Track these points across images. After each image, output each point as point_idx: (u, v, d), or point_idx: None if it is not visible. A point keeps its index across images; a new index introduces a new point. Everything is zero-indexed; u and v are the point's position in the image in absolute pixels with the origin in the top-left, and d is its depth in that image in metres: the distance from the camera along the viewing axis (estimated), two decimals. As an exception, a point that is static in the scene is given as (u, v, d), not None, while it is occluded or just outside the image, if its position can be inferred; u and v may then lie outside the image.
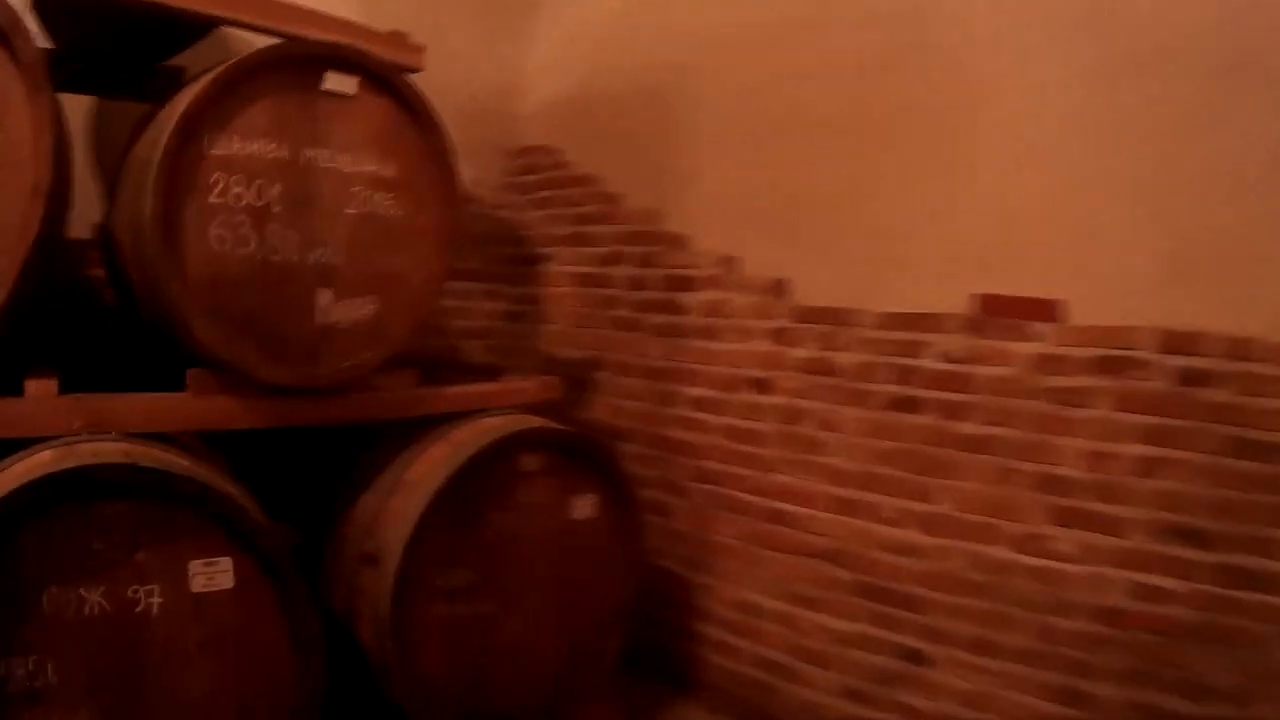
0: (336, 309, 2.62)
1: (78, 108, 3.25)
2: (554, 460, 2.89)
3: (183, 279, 2.37)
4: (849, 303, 3.08)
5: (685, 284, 3.57)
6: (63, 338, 3.02)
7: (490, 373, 3.43)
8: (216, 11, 2.60)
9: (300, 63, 2.52)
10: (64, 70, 2.69)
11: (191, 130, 2.36)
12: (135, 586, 2.15)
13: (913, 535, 2.95)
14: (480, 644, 2.77)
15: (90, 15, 2.59)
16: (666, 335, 3.64)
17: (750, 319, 3.35)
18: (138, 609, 2.16)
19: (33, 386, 2.28)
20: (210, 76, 2.39)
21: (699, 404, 3.54)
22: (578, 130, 4.04)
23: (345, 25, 2.81)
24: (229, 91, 2.40)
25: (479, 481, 2.70)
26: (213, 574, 2.24)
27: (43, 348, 2.68)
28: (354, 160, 2.62)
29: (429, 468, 2.72)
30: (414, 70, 2.89)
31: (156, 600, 2.19)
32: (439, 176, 2.77)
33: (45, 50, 2.82)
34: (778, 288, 3.29)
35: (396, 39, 2.99)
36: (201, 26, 2.76)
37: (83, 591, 2.10)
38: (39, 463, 2.14)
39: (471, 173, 3.94)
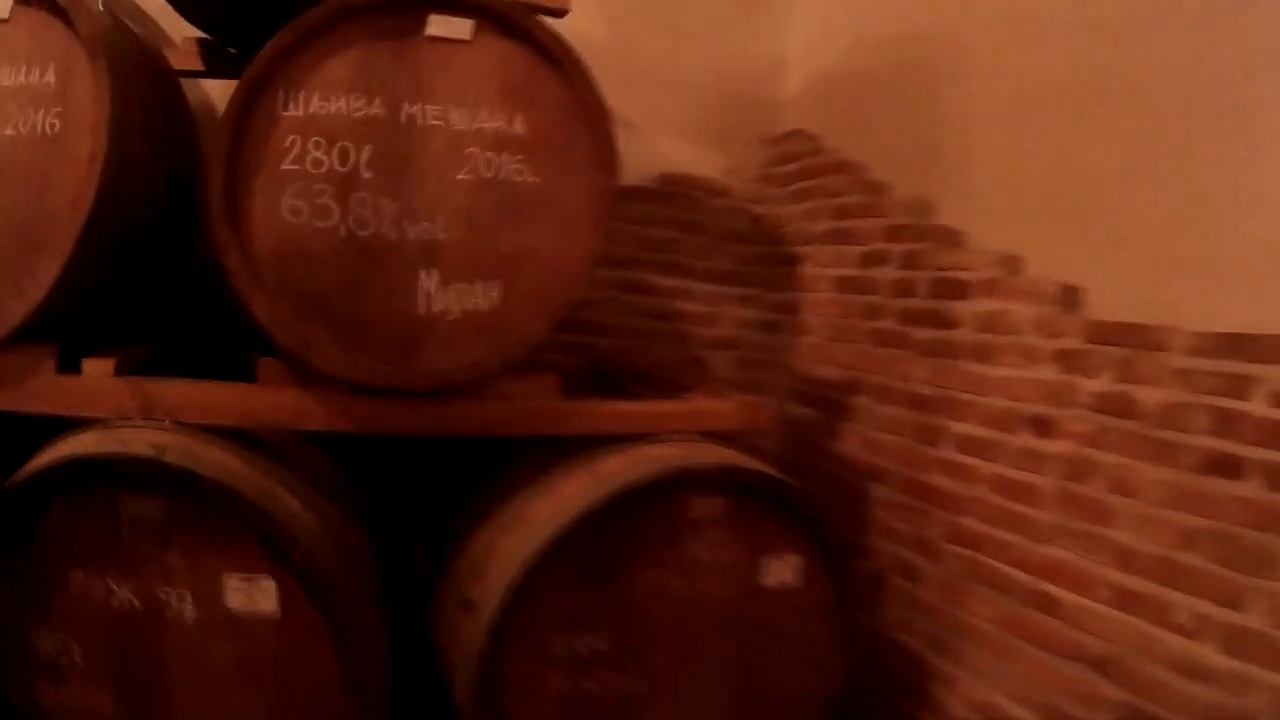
0: (445, 295, 2.18)
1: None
2: (740, 507, 2.23)
3: (244, 252, 2.09)
4: (1156, 318, 2.19)
5: (957, 290, 2.79)
6: (171, 317, 2.90)
7: (678, 388, 2.80)
8: None
9: (394, 7, 2.14)
10: (220, 56, 2.59)
11: (260, 89, 2.09)
12: (166, 588, 1.98)
13: (1210, 653, 1.99)
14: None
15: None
16: (933, 354, 2.87)
17: (1032, 336, 2.52)
18: (168, 613, 1.99)
19: (90, 366, 2.14)
20: (283, 30, 2.09)
21: (965, 444, 2.72)
22: (838, 112, 3.44)
23: None
24: (305, 44, 2.11)
25: (626, 526, 2.15)
26: (251, 592, 1.99)
27: (141, 326, 2.57)
28: (469, 116, 2.19)
29: (560, 503, 2.18)
30: (548, 9, 2.37)
31: (188, 607, 1.99)
32: (586, 135, 2.24)
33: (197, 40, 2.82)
34: (1067, 296, 2.42)
35: None
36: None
37: (111, 582, 1.98)
38: (77, 443, 2.01)
39: (722, 162, 3.56)
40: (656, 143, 3.00)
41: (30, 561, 2.00)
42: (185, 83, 2.78)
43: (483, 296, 2.19)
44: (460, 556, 2.34)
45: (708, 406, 2.55)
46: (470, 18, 2.18)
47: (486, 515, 2.34)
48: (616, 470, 2.20)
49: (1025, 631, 2.47)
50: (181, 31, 2.68)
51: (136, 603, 1.98)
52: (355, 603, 2.08)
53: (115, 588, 1.98)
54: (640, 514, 2.14)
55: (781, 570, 2.28)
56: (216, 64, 2.57)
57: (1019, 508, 2.50)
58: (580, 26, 2.40)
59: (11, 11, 2.15)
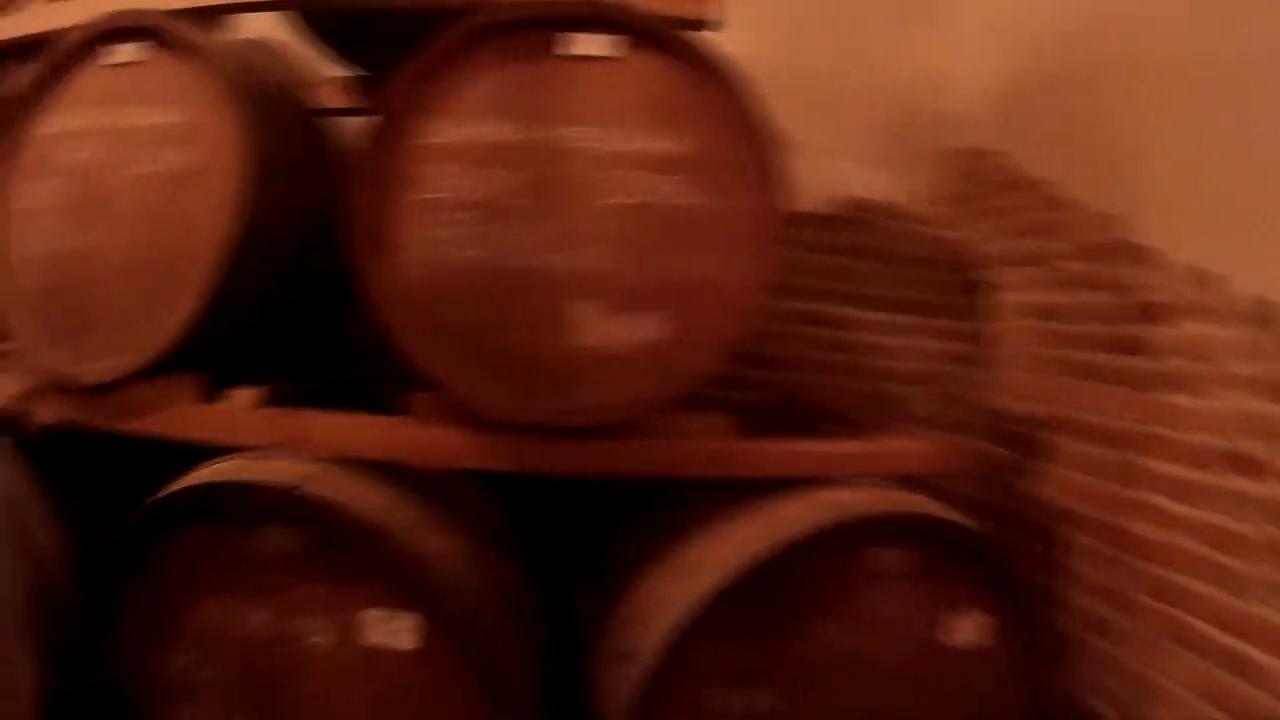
0: (604, 327, 2.06)
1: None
2: (926, 559, 2.03)
3: (388, 284, 2.04)
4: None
5: (1152, 313, 2.47)
6: (321, 352, 2.90)
7: (863, 426, 2.58)
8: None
9: (532, 25, 2.07)
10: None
11: (398, 118, 2.05)
12: (301, 618, 1.96)
13: None
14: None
15: (357, 29, 2.49)
16: (1129, 384, 2.55)
17: (1237, 363, 2.19)
18: (303, 643, 1.97)
19: (235, 396, 2.17)
20: (416, 58, 2.06)
21: (1163, 485, 2.39)
22: (1014, 123, 3.15)
23: None
24: (441, 69, 2.06)
25: (800, 577, 1.97)
26: (390, 629, 1.93)
27: (291, 360, 2.58)
28: (621, 136, 2.07)
29: (729, 549, 2.01)
30: (701, 22, 2.21)
31: (324, 639, 1.95)
32: (748, 153, 2.08)
33: (349, 77, 2.86)
34: (1271, 316, 2.08)
35: None
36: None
37: (245, 609, 1.99)
38: (217, 470, 2.05)
39: (898, 184, 3.33)
40: (830, 165, 2.85)
41: (165, 583, 2.02)
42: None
43: (644, 328, 2.06)
44: (621, 602, 2.19)
45: (893, 448, 2.32)
46: (615, 34, 2.07)
47: (651, 559, 2.18)
48: (792, 516, 2.01)
49: (1220, 699, 2.18)
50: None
51: (271, 631, 1.97)
52: (501, 645, 1.98)
53: (249, 615, 1.98)
54: (816, 564, 1.97)
55: (968, 628, 2.05)
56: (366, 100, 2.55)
57: (1220, 558, 2.20)
58: (745, 45, 2.25)
59: (148, 54, 2.24)
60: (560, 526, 2.66)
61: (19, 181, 2.34)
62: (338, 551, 1.91)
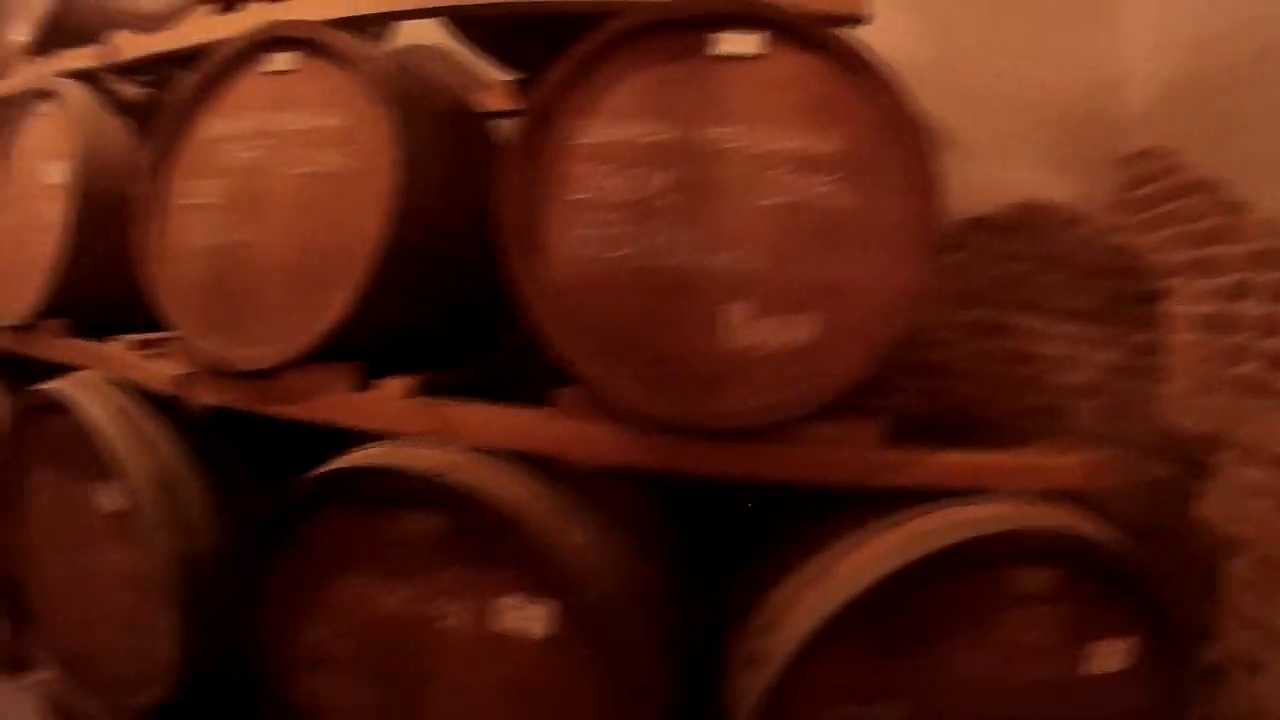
0: (754, 329, 2.03)
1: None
2: (1072, 581, 1.92)
3: (538, 286, 2.06)
4: None
5: None
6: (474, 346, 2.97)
7: (1022, 438, 2.47)
8: None
9: (680, 25, 2.07)
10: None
11: (547, 119, 2.09)
12: (437, 601, 2.04)
13: None
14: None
15: (512, 33, 2.55)
16: None
17: None
18: (437, 624, 2.05)
19: (387, 385, 2.26)
20: (565, 59, 2.09)
21: None
22: (1189, 122, 2.97)
23: None
24: (589, 70, 2.09)
25: (936, 594, 1.90)
26: (523, 616, 1.99)
27: (445, 353, 2.66)
28: (772, 135, 2.04)
29: (866, 561, 1.95)
30: (852, 19, 2.17)
31: (457, 622, 2.04)
32: (901, 153, 2.02)
33: (510, 80, 2.93)
34: None
35: None
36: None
37: (382, 589, 2.09)
38: (364, 455, 2.13)
39: (1074, 188, 3.18)
40: (1001, 169, 2.77)
41: (308, 559, 2.15)
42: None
43: (795, 331, 2.02)
44: (757, 607, 2.16)
45: (1047, 462, 2.18)
46: (763, 32, 2.05)
47: (788, 566, 2.14)
48: (933, 530, 1.93)
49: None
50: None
51: (406, 611, 2.06)
52: (633, 640, 1.98)
53: (387, 594, 2.08)
54: (954, 582, 1.89)
55: (1109, 655, 1.93)
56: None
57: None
58: (910, 48, 2.21)
59: (303, 63, 2.37)
60: (712, 526, 2.64)
61: (180, 180, 2.49)
62: (477, 538, 1.97)
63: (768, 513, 2.51)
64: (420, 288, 2.37)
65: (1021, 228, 3.13)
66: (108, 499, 2.53)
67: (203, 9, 2.90)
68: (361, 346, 2.27)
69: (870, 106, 2.03)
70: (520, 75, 2.90)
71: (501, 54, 2.87)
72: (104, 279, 2.78)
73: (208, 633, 2.46)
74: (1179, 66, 3.04)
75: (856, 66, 2.02)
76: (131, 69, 3.13)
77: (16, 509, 2.91)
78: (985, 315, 3.12)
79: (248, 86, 2.41)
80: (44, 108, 3.13)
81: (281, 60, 2.36)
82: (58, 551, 2.80)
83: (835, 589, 1.90)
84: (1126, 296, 3.23)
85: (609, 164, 2.05)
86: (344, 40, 2.28)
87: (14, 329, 3.10)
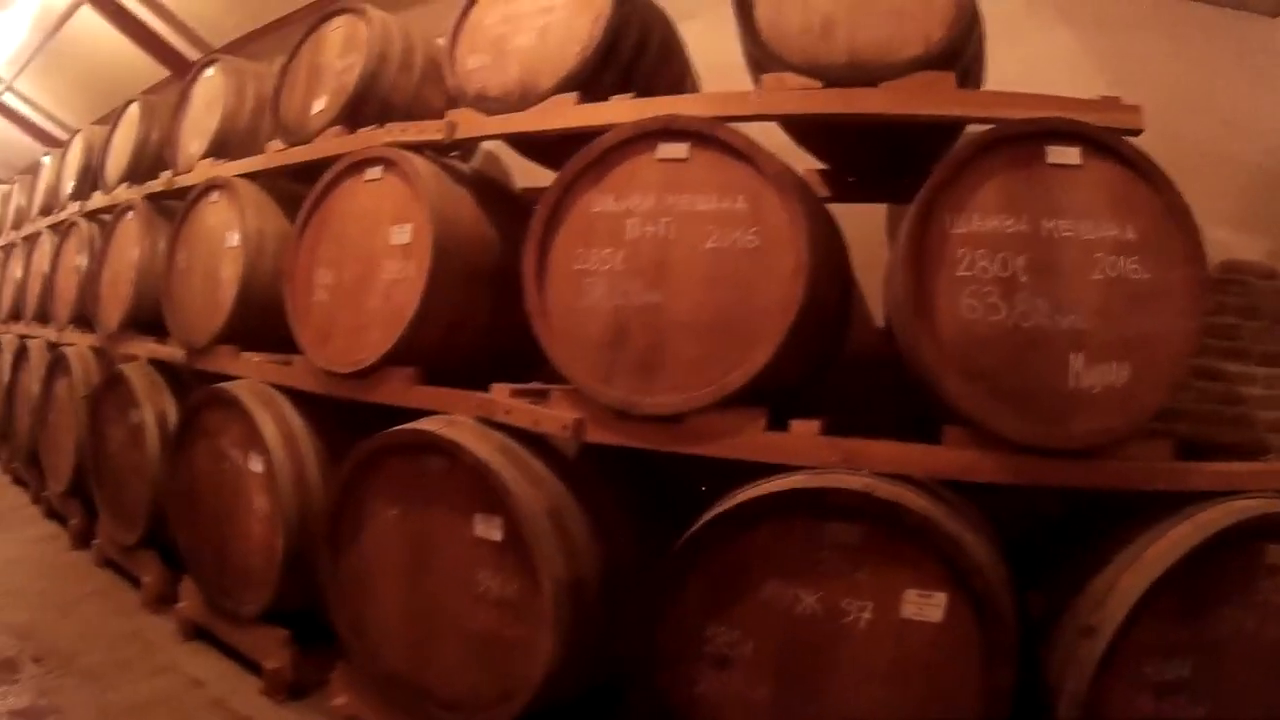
0: (1089, 373, 2.68)
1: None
2: None
3: (935, 343, 2.70)
4: None
5: None
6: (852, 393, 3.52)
7: (1249, 452, 3.20)
8: (942, 112, 2.92)
9: (1018, 141, 2.74)
10: (840, 184, 3.24)
11: (930, 213, 2.73)
12: (849, 599, 2.56)
13: None
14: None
15: (846, 138, 3.04)
16: None
17: None
18: (845, 619, 2.57)
19: (797, 426, 2.83)
20: (939, 166, 2.74)
21: None
22: None
23: (1058, 101, 2.89)
24: (958, 176, 2.74)
25: (1215, 568, 2.52)
26: (925, 605, 2.52)
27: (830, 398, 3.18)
28: (1093, 226, 2.72)
29: (1167, 546, 2.62)
30: (1133, 131, 2.88)
31: (865, 617, 2.56)
32: (1180, 234, 2.72)
33: (819, 170, 3.50)
34: None
35: (1109, 103, 2.97)
36: (940, 129, 3.12)
37: (799, 591, 2.60)
38: (789, 481, 2.65)
39: (1265, 245, 3.69)
40: (1207, 230, 2.95)
41: (728, 569, 2.66)
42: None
43: (1115, 374, 2.67)
44: (1081, 594, 2.79)
45: None
46: (1077, 145, 2.73)
47: (1106, 560, 2.80)
48: (1211, 520, 2.57)
49: None
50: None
51: (818, 609, 2.59)
52: (1010, 617, 2.54)
53: (802, 595, 2.59)
54: (1227, 557, 2.49)
55: None
56: (839, 190, 3.16)
57: None
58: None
59: (687, 151, 2.95)
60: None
61: (570, 247, 3.03)
62: (894, 543, 2.50)
63: (1074, 523, 3.17)
64: (808, 344, 2.95)
65: (1224, 283, 3.59)
66: (487, 529, 2.97)
67: (562, 98, 3.40)
68: (768, 394, 2.85)
69: (1154, 200, 2.70)
70: (822, 165, 3.49)
71: (814, 146, 3.49)
72: (448, 332, 3.20)
73: (582, 649, 2.92)
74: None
75: (1142, 169, 2.70)
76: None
77: (358, 539, 3.32)
78: (1200, 362, 3.52)
79: (636, 169, 2.98)
80: (371, 173, 3.61)
81: (672, 149, 2.94)
82: (396, 580, 3.22)
83: (1148, 568, 2.53)
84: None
85: (981, 248, 2.69)
86: (737, 135, 2.87)
87: (357, 375, 3.51)
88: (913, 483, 2.71)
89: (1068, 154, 2.74)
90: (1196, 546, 2.49)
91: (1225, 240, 3.58)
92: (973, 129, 3.05)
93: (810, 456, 2.77)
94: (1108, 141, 2.73)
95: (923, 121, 2.94)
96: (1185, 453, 2.80)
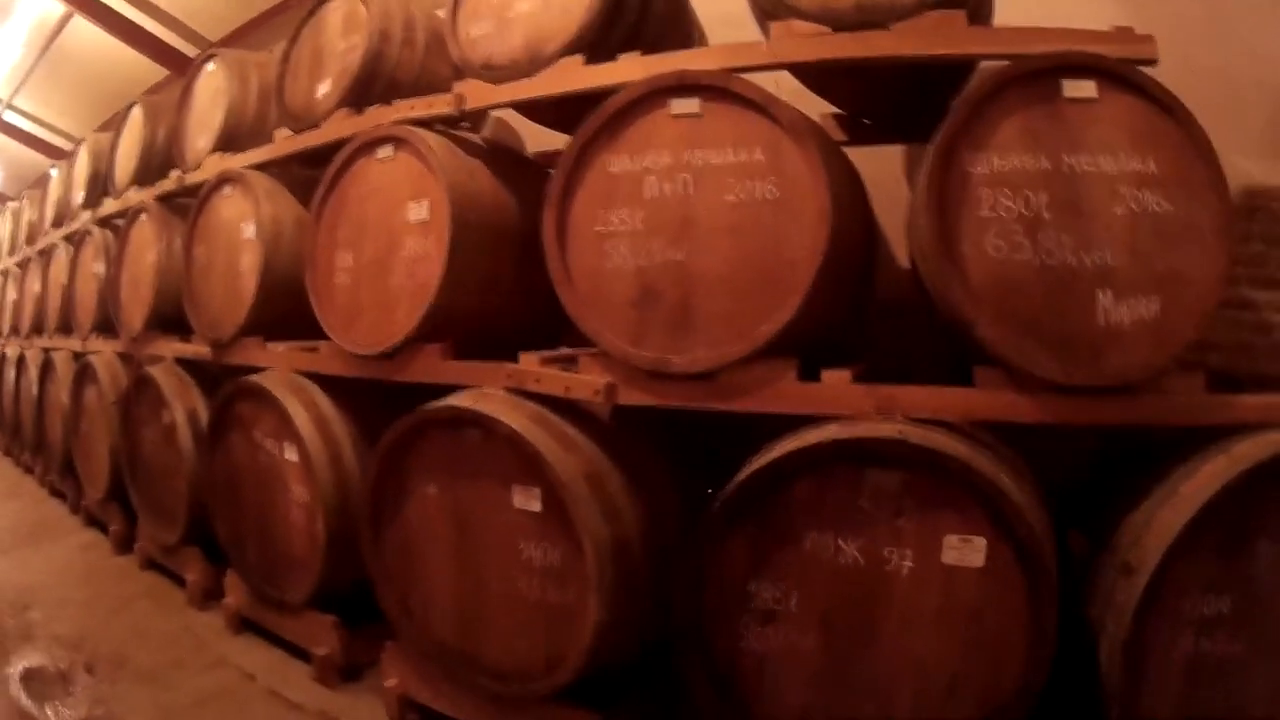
0: (1118, 309, 2.69)
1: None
2: None
3: (964, 285, 2.72)
4: None
5: None
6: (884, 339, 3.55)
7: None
8: (956, 50, 2.91)
9: (1033, 77, 2.73)
10: (856, 127, 3.21)
11: (950, 155, 2.74)
12: (890, 548, 2.62)
13: None
14: (1223, 696, 2.55)
15: (860, 81, 3.03)
16: None
17: None
18: (887, 567, 2.62)
19: (829, 376, 2.86)
20: (955, 106, 2.74)
21: None
22: None
23: (1070, 34, 2.87)
24: (975, 116, 2.73)
25: (1252, 502, 2.52)
26: (965, 550, 2.55)
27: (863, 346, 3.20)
28: (1115, 161, 2.72)
29: (1204, 481, 2.62)
30: (1148, 62, 2.85)
31: (907, 564, 2.62)
32: (1202, 168, 2.71)
33: (833, 115, 3.49)
34: None
35: (1123, 34, 2.92)
36: (953, 67, 3.10)
37: (841, 542, 2.65)
38: (825, 432, 2.68)
39: None
40: (1230, 158, 2.93)
41: (769, 524, 2.70)
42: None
43: (1145, 308, 2.68)
44: (1118, 533, 2.82)
45: None
46: (1092, 78, 2.72)
47: (1144, 495, 2.81)
48: (1247, 454, 2.59)
49: None
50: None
51: (861, 559, 2.63)
52: (1051, 560, 2.56)
53: (843, 546, 2.64)
54: (1264, 491, 2.49)
55: None
56: (854, 135, 3.17)
57: None
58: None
59: (701, 106, 2.95)
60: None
61: (589, 209, 3.05)
62: (934, 489, 2.53)
63: (1113, 460, 3.18)
64: (837, 291, 2.97)
65: (1251, 211, 3.59)
66: (526, 499, 3.02)
67: (569, 61, 3.40)
68: (798, 345, 2.87)
69: (1176, 133, 2.69)
70: (839, 111, 3.50)
71: (825, 89, 3.49)
72: (474, 305, 3.23)
73: (628, 610, 2.96)
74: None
75: (1164, 103, 2.69)
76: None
77: (399, 518, 3.37)
78: (1229, 293, 3.42)
79: (651, 127, 3.00)
80: (383, 152, 3.65)
81: (685, 104, 2.95)
82: (440, 555, 3.28)
83: (1187, 503, 2.54)
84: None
85: (1004, 187, 2.69)
86: (750, 86, 2.88)
87: (385, 355, 3.54)
88: (948, 427, 2.73)
89: (1084, 88, 2.73)
90: (1232, 480, 2.50)
91: (1249, 169, 3.54)
92: (986, 65, 3.04)
93: (844, 405, 2.80)
94: (1123, 73, 2.73)
95: (937, 61, 2.92)
96: (1218, 385, 2.80)
